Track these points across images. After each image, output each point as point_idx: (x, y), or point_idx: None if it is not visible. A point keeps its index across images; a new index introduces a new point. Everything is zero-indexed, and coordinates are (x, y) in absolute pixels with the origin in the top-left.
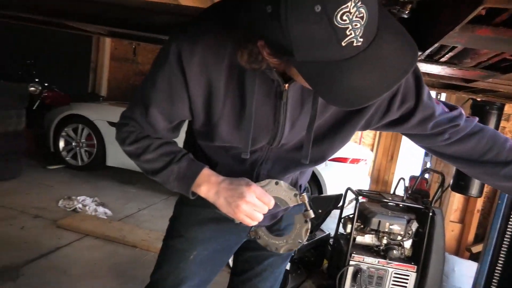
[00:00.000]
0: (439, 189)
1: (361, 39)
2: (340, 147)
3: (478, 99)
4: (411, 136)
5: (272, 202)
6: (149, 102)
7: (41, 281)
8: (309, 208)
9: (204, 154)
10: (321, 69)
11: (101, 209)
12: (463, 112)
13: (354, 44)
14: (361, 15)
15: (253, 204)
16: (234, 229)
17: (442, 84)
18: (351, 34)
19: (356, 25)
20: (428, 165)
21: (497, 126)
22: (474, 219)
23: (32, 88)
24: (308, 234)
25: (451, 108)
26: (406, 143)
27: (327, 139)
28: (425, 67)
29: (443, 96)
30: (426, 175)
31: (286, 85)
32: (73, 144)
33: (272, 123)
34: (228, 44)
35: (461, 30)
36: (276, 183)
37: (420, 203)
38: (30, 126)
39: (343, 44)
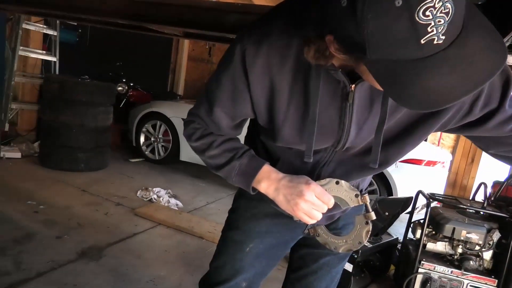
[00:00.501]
0: None
1: (443, 37)
2: (409, 151)
3: None
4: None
5: (331, 202)
6: (214, 101)
7: (119, 262)
8: (370, 209)
9: (266, 149)
10: (394, 68)
11: (173, 201)
12: None
13: (435, 42)
14: (447, 10)
15: (311, 203)
16: (290, 225)
17: None
18: (432, 31)
19: (439, 21)
20: None
21: None
22: None
23: (120, 88)
24: (368, 236)
25: None
26: None
27: (396, 142)
28: (509, 59)
29: None
30: None
31: (353, 86)
32: (152, 139)
33: (337, 125)
34: (294, 45)
35: None
36: (337, 183)
37: (504, 212)
38: (117, 122)
39: (422, 42)
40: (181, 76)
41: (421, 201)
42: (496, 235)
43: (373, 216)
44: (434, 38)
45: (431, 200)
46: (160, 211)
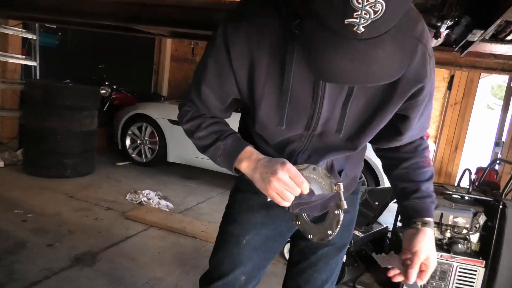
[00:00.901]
0: (511, 180)
1: (363, 29)
2: (378, 129)
3: None
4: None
5: (305, 185)
6: (201, 81)
7: (114, 267)
8: (342, 198)
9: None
10: (318, 32)
11: (163, 202)
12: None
13: (354, 29)
14: (377, 9)
15: (284, 183)
16: (284, 216)
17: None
18: (356, 18)
19: (366, 14)
20: (499, 156)
21: None
22: None
23: (103, 91)
24: (339, 226)
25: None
26: (474, 133)
27: (367, 119)
28: (490, 48)
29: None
30: (496, 166)
31: None
32: (138, 141)
33: (310, 99)
34: (272, 22)
35: None
36: (314, 169)
37: (489, 195)
38: (101, 125)
39: (345, 22)
40: (164, 77)
41: None
42: (482, 218)
43: (344, 205)
44: (355, 26)
45: None
46: (151, 213)
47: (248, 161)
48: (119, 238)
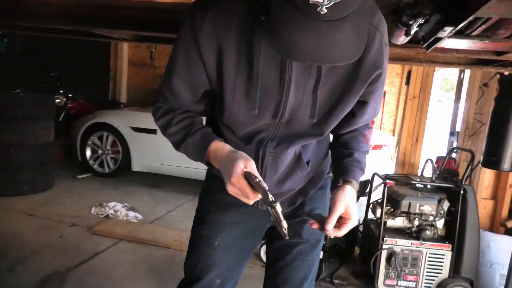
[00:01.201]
0: (468, 167)
1: (325, 10)
2: (343, 114)
3: (506, 73)
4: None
5: (250, 202)
6: (171, 73)
7: (85, 286)
8: (281, 219)
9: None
10: (284, 11)
11: (132, 214)
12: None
13: (317, 9)
14: None
15: (235, 192)
16: (255, 214)
17: (469, 60)
18: None
19: None
20: (455, 144)
21: None
22: (507, 195)
23: (58, 100)
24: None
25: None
26: (430, 124)
27: (333, 105)
28: (454, 43)
29: (467, 73)
30: (453, 155)
31: None
32: (99, 152)
33: (278, 84)
34: (238, 7)
35: (498, 0)
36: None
37: (450, 182)
38: (58, 137)
39: (310, 1)
40: (122, 83)
41: (376, 182)
42: (446, 205)
43: (284, 225)
44: (319, 6)
45: (386, 180)
46: (119, 226)
47: (214, 157)
48: (88, 255)
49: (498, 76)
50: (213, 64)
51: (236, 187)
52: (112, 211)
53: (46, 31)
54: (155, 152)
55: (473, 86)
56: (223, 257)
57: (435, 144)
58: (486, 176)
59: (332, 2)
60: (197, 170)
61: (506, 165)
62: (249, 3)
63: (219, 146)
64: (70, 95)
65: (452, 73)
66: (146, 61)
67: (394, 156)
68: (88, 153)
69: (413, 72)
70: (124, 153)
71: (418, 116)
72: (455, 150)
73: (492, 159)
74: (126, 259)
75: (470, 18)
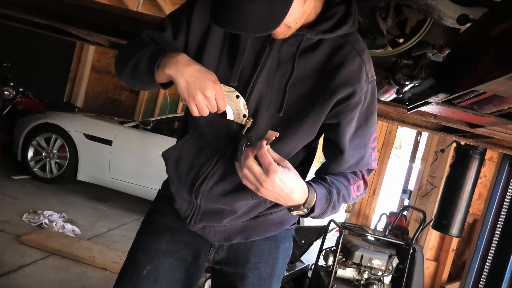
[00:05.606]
0: (420, 227)
1: None
2: (312, 127)
3: (462, 143)
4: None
5: (224, 109)
6: (156, 28)
7: None
8: (248, 135)
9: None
10: None
11: (69, 226)
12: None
13: None
14: None
15: (208, 100)
16: (191, 245)
17: (436, 125)
18: None
19: None
20: (406, 202)
21: (478, 171)
22: (448, 258)
23: (6, 92)
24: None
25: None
26: (388, 178)
27: (298, 117)
28: (437, 109)
29: (424, 136)
30: (405, 212)
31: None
32: (44, 154)
33: (252, 65)
34: None
35: (507, 79)
36: (237, 96)
37: (400, 239)
38: None
39: None
40: (81, 87)
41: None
42: (395, 261)
43: (251, 138)
44: None
45: (343, 228)
46: (53, 239)
47: (175, 63)
48: (10, 267)
49: (455, 144)
50: (196, 42)
51: (208, 99)
52: (47, 221)
53: (15, 20)
54: (106, 163)
55: (430, 150)
56: None
57: (391, 199)
58: (432, 238)
59: None
60: (148, 189)
61: (454, 231)
62: None
63: (183, 54)
64: (21, 89)
65: (402, 132)
66: (111, 69)
67: (350, 206)
68: (30, 153)
69: (377, 127)
70: (71, 159)
71: (377, 171)
72: (407, 208)
73: (443, 223)
74: (55, 276)
75: (468, 90)
